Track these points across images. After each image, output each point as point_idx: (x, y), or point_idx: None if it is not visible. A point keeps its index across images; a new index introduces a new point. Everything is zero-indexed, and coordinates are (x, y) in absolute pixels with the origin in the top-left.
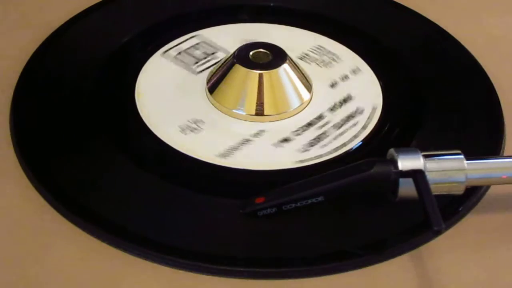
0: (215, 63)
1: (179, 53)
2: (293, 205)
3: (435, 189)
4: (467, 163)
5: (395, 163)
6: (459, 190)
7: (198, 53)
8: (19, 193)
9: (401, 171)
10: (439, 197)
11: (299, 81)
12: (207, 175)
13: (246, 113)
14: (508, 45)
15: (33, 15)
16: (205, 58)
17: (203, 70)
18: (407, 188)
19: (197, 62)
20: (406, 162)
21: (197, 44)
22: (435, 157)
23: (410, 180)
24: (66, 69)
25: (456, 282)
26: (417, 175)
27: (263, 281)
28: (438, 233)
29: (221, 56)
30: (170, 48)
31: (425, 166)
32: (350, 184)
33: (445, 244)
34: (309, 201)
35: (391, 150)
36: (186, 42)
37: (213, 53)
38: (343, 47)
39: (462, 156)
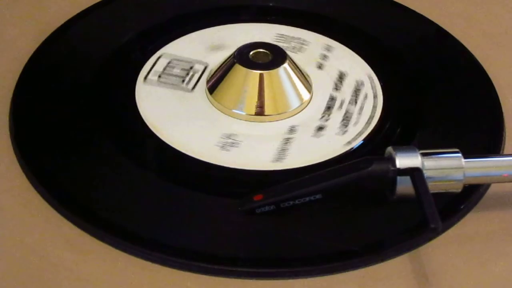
0: (201, 74)
1: (159, 76)
2: (291, 202)
3: (433, 187)
4: (465, 161)
5: (393, 161)
6: (457, 188)
7: (176, 71)
8: (19, 193)
9: (399, 169)
10: (438, 196)
11: (299, 81)
12: (207, 175)
13: (246, 113)
14: (508, 45)
15: (33, 15)
16: (187, 74)
17: (195, 84)
18: (405, 186)
19: (183, 81)
20: (404, 160)
21: (169, 62)
22: (433, 155)
23: (408, 178)
24: (66, 69)
25: (456, 282)
26: (415, 173)
27: (261, 281)
28: (435, 231)
29: (200, 68)
30: (147, 74)
31: (423, 164)
32: (348, 182)
33: (445, 244)
34: (307, 199)
35: (389, 148)
36: (157, 63)
37: (191, 67)
38: (342, 46)
39: (460, 155)
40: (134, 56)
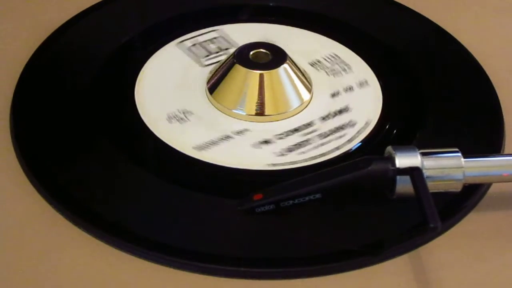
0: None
1: (194, 44)
2: (291, 202)
3: (432, 187)
4: (465, 161)
5: (392, 160)
6: (457, 188)
7: (212, 47)
8: (20, 193)
9: (398, 168)
10: (439, 196)
11: (299, 81)
12: (208, 175)
13: (246, 113)
14: (508, 45)
15: (33, 15)
16: (217, 52)
17: (211, 64)
18: (404, 185)
19: (207, 56)
20: (404, 160)
21: (215, 38)
22: (432, 155)
23: (407, 177)
24: (66, 69)
25: (456, 282)
26: (414, 173)
27: (260, 281)
28: (434, 230)
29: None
30: (187, 39)
31: (422, 163)
32: (348, 181)
33: (445, 244)
34: (307, 198)
35: (389, 148)
36: (204, 35)
37: (226, 49)
38: (342, 45)
39: (459, 154)
40: (134, 55)
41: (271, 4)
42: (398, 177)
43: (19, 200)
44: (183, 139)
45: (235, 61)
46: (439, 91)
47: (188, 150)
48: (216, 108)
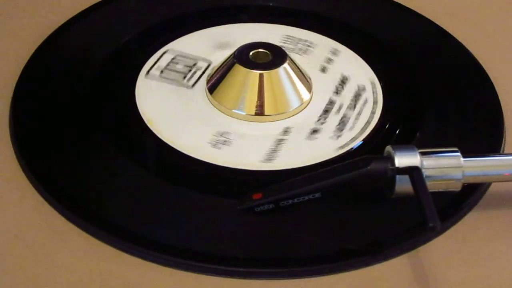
0: (204, 72)
1: (161, 71)
2: (290, 201)
3: (432, 186)
4: (464, 160)
5: (392, 160)
6: (456, 187)
7: (179, 67)
8: (19, 193)
9: (397, 168)
10: (439, 195)
11: (299, 81)
12: (207, 175)
13: (246, 113)
14: (508, 45)
15: (33, 15)
16: (189, 71)
17: (196, 81)
18: (404, 185)
19: (185, 77)
20: (403, 159)
21: (173, 58)
22: (432, 154)
23: (407, 177)
24: (65, 69)
25: (456, 282)
26: (414, 172)
27: (260, 281)
28: (434, 229)
29: (203, 65)
30: (150, 68)
31: (421, 163)
32: (347, 181)
33: (444, 244)
34: (306, 198)
35: (388, 147)
36: (161, 59)
37: (194, 64)
38: (348, 49)
39: (459, 154)
40: (136, 52)
41: (271, 4)
42: (397, 177)
43: (18, 200)
44: (183, 138)
45: (235, 61)
46: (439, 91)
47: (188, 149)
48: (215, 108)
